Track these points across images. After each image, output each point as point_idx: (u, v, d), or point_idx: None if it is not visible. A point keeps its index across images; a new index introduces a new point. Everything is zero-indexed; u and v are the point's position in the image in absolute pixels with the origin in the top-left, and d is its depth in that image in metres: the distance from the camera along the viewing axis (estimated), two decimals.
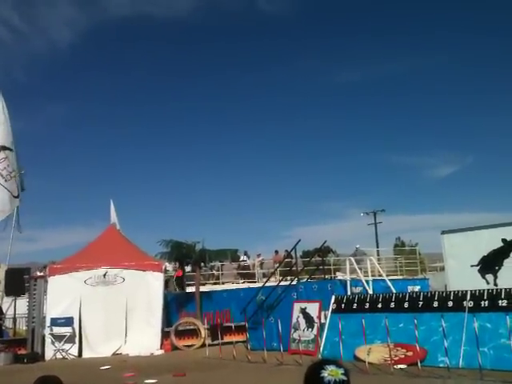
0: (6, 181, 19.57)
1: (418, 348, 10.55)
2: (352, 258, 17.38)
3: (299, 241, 17.06)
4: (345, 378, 2.03)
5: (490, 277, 13.80)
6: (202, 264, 20.21)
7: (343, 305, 13.52)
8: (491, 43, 79.37)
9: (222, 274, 26.11)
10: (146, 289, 16.85)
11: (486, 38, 76.91)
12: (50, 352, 15.86)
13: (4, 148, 19.78)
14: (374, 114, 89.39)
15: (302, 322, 14.36)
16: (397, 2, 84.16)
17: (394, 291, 13.89)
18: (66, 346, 15.98)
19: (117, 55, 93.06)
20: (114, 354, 16.03)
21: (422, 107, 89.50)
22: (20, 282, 17.26)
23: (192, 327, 17.19)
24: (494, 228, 14.24)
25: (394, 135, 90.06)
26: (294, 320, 14.55)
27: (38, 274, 19.48)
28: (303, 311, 14.50)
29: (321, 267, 19.00)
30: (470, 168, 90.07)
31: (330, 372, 2.02)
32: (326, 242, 17.97)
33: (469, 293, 11.38)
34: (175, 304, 18.86)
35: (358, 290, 14.80)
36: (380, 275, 16.62)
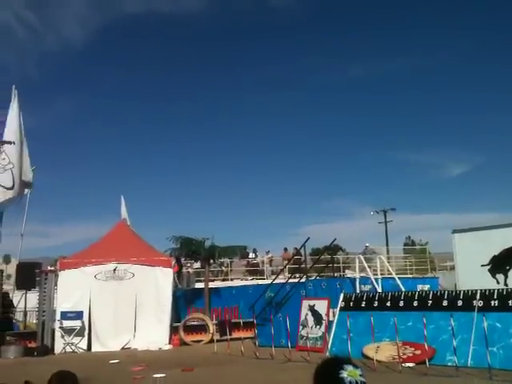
0: None
1: (426, 347, 10.50)
2: (361, 256, 17.34)
3: (308, 238, 17.07)
4: (364, 379, 1.96)
5: (500, 276, 13.70)
6: (212, 260, 20.25)
7: (352, 303, 13.49)
8: (501, 39, 78.65)
9: (231, 270, 26.15)
10: (156, 284, 16.94)
11: (494, 34, 76.23)
12: (59, 345, 16.00)
13: (2, 142, 19.90)
14: (386, 111, 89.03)
15: (311, 319, 14.37)
16: (400, 1, 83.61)
17: (404, 290, 13.83)
18: (76, 340, 16.12)
19: (127, 52, 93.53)
20: (122, 348, 16.14)
21: (434, 106, 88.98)
22: (31, 275, 17.40)
23: (201, 323, 17.25)
24: (505, 228, 14.11)
25: (406, 134, 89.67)
26: (303, 317, 14.55)
27: (49, 268, 19.63)
28: (311, 308, 14.50)
29: (330, 265, 18.96)
30: (481, 167, 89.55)
31: (349, 373, 1.94)
32: (335, 239, 17.95)
33: (479, 292, 11.32)
34: (184, 300, 18.94)
35: (367, 288, 14.75)
36: (389, 274, 16.56)
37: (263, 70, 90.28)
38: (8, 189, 19.86)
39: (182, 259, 22.03)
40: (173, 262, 17.65)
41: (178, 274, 21.70)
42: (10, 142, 19.87)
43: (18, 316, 18.79)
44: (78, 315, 16.20)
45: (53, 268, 18.35)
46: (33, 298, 17.56)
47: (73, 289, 16.61)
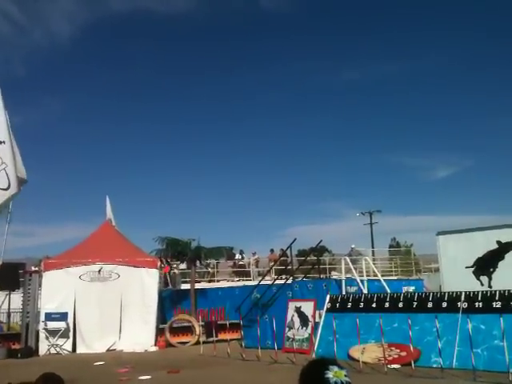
0: None
1: (411, 348, 10.58)
2: (347, 258, 17.43)
3: (295, 240, 17.11)
4: (349, 380, 1.98)
5: (484, 278, 13.86)
6: (198, 261, 20.19)
7: (338, 304, 13.54)
8: (490, 44, 79.65)
9: (218, 271, 26.12)
10: (141, 285, 16.84)
11: (485, 39, 77.19)
12: (43, 347, 15.83)
13: None
14: (373, 114, 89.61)
15: (297, 320, 14.40)
16: (396, 2, 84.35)
17: (389, 291, 13.92)
18: (60, 342, 15.96)
19: (116, 50, 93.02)
20: (108, 349, 16.02)
21: (420, 108, 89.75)
22: (15, 276, 17.19)
23: (187, 324, 17.20)
24: (489, 230, 14.30)
25: (392, 136, 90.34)
26: (289, 318, 14.58)
27: (33, 268, 19.40)
28: (298, 310, 14.53)
29: (316, 266, 19.03)
30: (466, 170, 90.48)
31: (334, 373, 1.97)
32: (321, 241, 18.03)
33: (463, 294, 11.43)
34: (170, 301, 18.86)
35: (353, 289, 14.82)
36: (375, 275, 16.66)
37: (257, 71, 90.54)
38: (4, 190, 19.28)
39: (168, 260, 21.98)
40: (159, 264, 17.55)
41: (169, 275, 21.66)
42: (0, 142, 19.34)
43: (2, 317, 18.55)
44: (63, 316, 16.05)
45: (37, 268, 18.14)
46: (17, 298, 17.35)
47: (57, 290, 16.44)
